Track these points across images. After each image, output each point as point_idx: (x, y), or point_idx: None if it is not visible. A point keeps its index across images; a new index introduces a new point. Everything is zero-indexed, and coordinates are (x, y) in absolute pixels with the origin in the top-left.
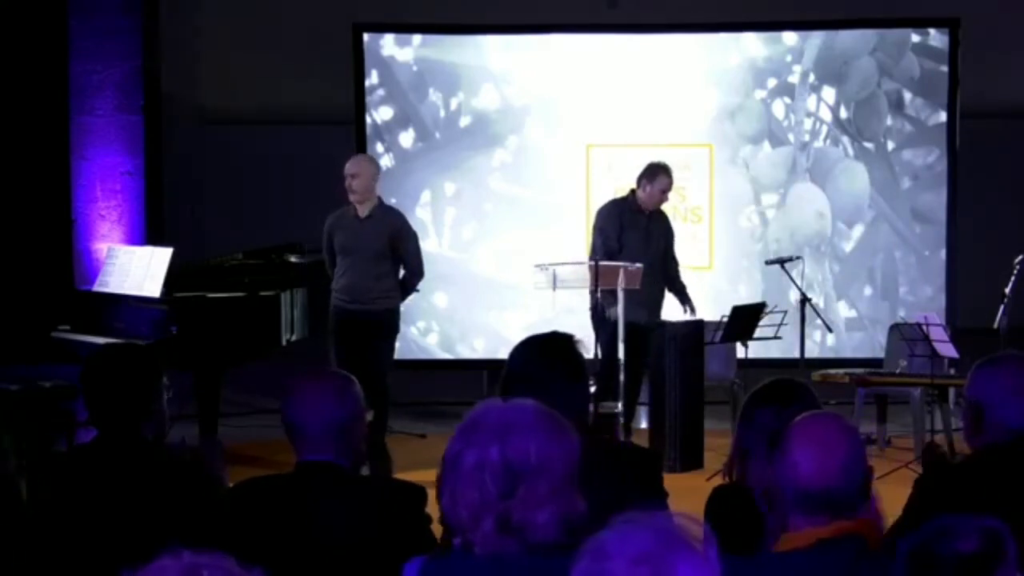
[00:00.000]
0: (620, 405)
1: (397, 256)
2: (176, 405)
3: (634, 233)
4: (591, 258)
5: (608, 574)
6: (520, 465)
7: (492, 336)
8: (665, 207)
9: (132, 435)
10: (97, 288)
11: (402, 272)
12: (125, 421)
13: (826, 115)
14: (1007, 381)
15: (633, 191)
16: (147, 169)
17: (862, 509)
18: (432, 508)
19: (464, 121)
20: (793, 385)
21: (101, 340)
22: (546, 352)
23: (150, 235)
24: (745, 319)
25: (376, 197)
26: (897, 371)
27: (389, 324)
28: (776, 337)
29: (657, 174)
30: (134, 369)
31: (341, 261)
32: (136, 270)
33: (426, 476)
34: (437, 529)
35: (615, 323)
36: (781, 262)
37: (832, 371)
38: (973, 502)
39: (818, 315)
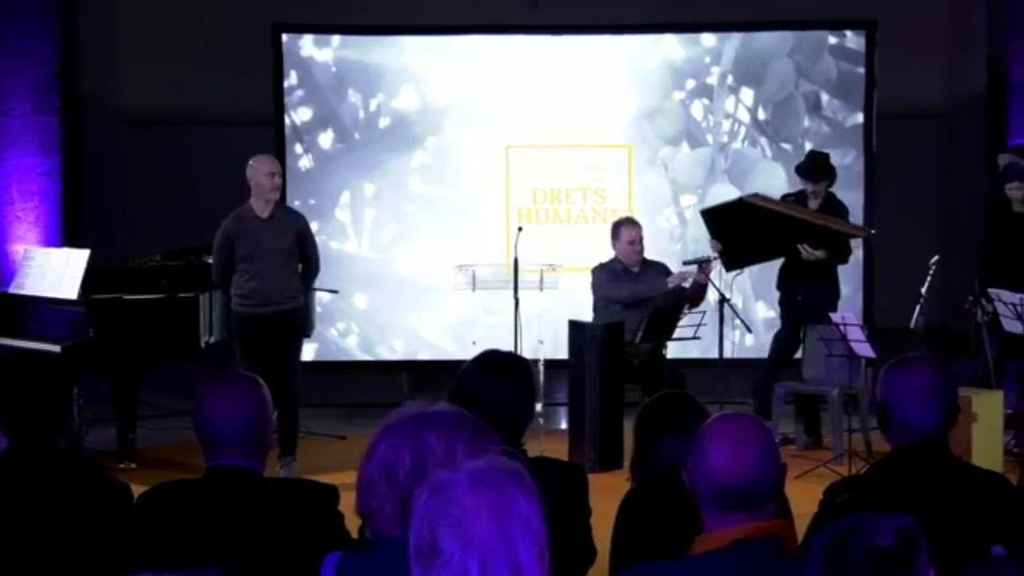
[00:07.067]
0: (539, 406)
1: (302, 255)
2: (94, 407)
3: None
4: None
5: (452, 503)
6: (430, 454)
7: (412, 337)
8: (585, 208)
9: (44, 446)
10: (13, 290)
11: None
12: (37, 432)
13: (744, 116)
14: (913, 382)
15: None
16: (64, 170)
17: (774, 507)
18: (346, 507)
19: (384, 122)
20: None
21: (18, 343)
22: (495, 372)
23: (67, 237)
24: (664, 319)
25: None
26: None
27: (303, 323)
28: (695, 337)
29: (617, 230)
30: (42, 380)
31: (247, 266)
32: (53, 272)
33: (346, 478)
34: (353, 527)
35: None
36: (699, 262)
37: None
38: (882, 506)
39: (737, 315)
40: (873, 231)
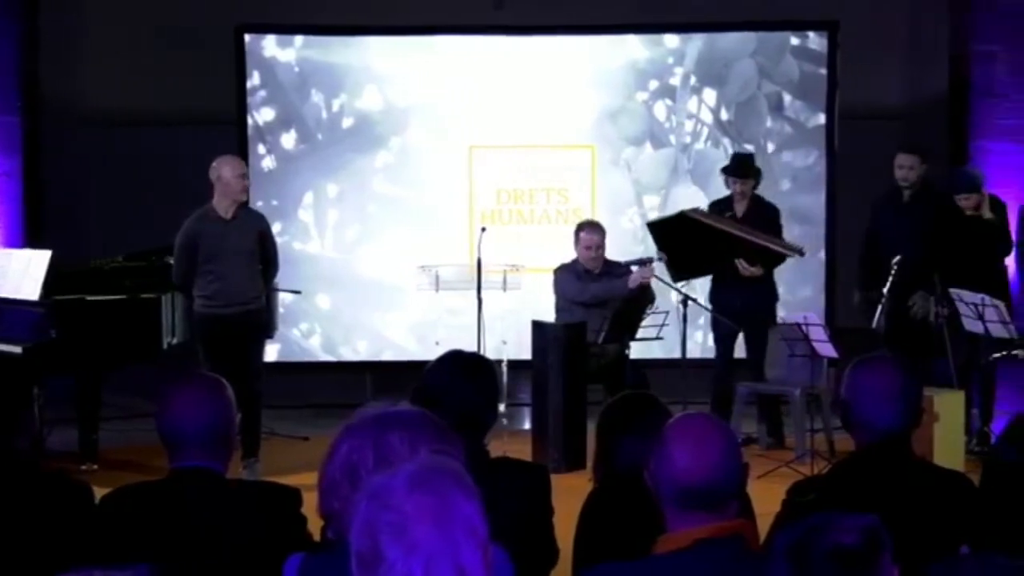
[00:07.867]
0: (502, 406)
1: (262, 255)
2: (56, 408)
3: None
4: None
5: (392, 509)
6: (392, 455)
7: (375, 338)
8: (548, 209)
9: (6, 448)
10: None
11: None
12: None
13: (707, 117)
14: (875, 382)
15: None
16: (25, 170)
17: (736, 507)
18: (309, 508)
19: (347, 122)
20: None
21: None
22: (460, 372)
23: (29, 237)
24: (626, 319)
25: None
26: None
27: (266, 324)
28: (658, 338)
29: (578, 234)
30: (3, 381)
31: (210, 266)
32: (14, 273)
33: (309, 479)
34: (315, 530)
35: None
36: (640, 263)
37: None
38: (845, 506)
39: (705, 308)
40: (804, 251)
